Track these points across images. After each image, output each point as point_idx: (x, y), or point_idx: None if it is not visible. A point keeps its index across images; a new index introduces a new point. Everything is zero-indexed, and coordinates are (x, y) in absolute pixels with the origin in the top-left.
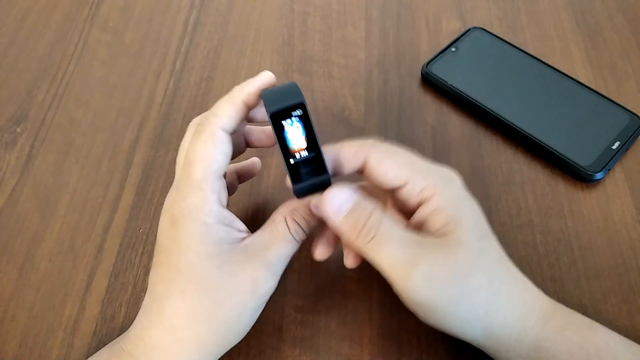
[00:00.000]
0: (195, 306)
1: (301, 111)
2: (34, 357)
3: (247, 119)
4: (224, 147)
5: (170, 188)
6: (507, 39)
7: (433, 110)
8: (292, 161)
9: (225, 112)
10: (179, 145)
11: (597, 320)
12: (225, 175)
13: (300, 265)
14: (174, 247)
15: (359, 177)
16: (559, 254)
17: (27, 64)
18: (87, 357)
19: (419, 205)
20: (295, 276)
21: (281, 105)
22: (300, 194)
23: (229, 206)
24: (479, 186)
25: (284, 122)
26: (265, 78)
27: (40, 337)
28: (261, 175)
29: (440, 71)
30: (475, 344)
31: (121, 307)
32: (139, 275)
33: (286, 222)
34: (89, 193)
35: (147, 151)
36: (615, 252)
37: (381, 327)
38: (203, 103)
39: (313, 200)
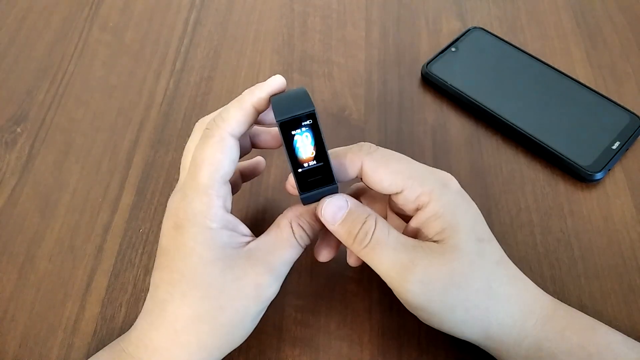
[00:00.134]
0: (198, 310)
1: (311, 120)
2: (34, 357)
3: (256, 122)
4: (232, 153)
5: (171, 189)
6: (507, 39)
7: (433, 110)
8: (300, 170)
9: (234, 117)
10: (179, 145)
11: (597, 320)
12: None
13: (300, 265)
14: (177, 251)
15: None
16: (559, 254)
17: (27, 64)
18: (87, 358)
19: (416, 211)
20: (295, 276)
21: (291, 114)
22: (308, 202)
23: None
24: (479, 186)
25: (293, 132)
26: (276, 83)
27: (40, 337)
28: (262, 176)
29: (440, 71)
30: (476, 344)
31: (121, 307)
32: (139, 275)
33: (291, 227)
34: (89, 193)
35: (147, 151)
36: (615, 252)
37: (381, 327)
38: (203, 103)
39: (318, 206)
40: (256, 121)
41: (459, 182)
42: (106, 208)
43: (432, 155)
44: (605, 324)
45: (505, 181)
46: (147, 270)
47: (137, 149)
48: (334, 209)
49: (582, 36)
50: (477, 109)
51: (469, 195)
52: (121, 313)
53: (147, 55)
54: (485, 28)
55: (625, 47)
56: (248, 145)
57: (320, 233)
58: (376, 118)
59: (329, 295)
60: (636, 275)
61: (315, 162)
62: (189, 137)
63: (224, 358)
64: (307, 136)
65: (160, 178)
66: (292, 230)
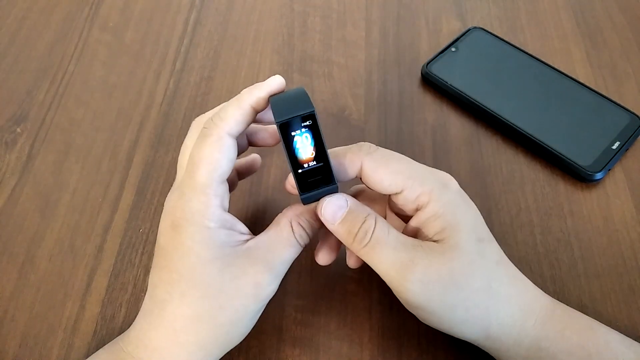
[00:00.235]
0: (197, 310)
1: (311, 121)
2: (34, 357)
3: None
4: (230, 153)
5: (170, 188)
6: (507, 39)
7: (433, 110)
8: (300, 171)
9: (232, 117)
10: (179, 145)
11: (597, 320)
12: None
13: (300, 265)
14: (175, 251)
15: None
16: (559, 254)
17: (27, 64)
18: (87, 357)
19: (415, 211)
20: (295, 276)
21: (291, 115)
22: (308, 202)
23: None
24: (479, 186)
25: (293, 133)
26: (275, 83)
27: (40, 337)
28: (261, 175)
29: (440, 71)
30: (475, 344)
31: (121, 307)
32: (139, 275)
33: (291, 226)
34: (89, 193)
35: (147, 151)
36: (615, 252)
37: (381, 327)
38: (203, 103)
39: (318, 206)
40: (254, 120)
41: (459, 182)
42: (106, 208)
43: (432, 155)
44: (605, 324)
45: (505, 181)
46: (147, 270)
47: (137, 149)
48: (334, 208)
49: (582, 36)
50: (477, 109)
51: (468, 195)
52: (121, 313)
53: (147, 55)
54: (485, 28)
55: (625, 47)
56: (245, 143)
57: (320, 235)
58: (376, 118)
59: (329, 295)
60: (636, 275)
61: (315, 162)
62: None
63: (223, 357)
64: (306, 137)
65: (160, 178)
66: (292, 229)
